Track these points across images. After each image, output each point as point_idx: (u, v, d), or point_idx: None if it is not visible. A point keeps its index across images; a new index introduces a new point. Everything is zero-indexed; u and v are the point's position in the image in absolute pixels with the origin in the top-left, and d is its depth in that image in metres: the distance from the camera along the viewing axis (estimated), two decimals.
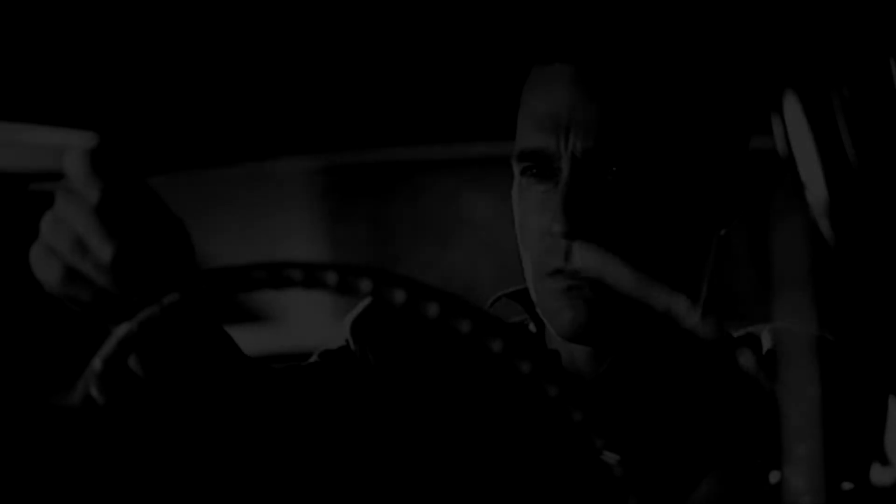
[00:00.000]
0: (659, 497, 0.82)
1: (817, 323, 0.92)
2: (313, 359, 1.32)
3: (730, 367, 1.24)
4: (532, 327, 1.31)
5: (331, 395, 1.28)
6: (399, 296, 0.86)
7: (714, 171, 1.24)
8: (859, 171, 0.85)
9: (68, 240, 0.94)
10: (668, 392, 1.25)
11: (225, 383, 1.12)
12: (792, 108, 0.86)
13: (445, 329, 0.84)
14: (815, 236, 0.86)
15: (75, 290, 0.95)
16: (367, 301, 1.34)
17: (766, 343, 1.26)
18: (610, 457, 0.83)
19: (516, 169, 1.24)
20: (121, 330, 0.91)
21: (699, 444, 1.21)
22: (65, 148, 0.93)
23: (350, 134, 1.94)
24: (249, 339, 1.48)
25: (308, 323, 2.26)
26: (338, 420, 1.26)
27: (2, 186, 1.80)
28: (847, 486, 0.83)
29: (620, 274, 0.90)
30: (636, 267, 1.19)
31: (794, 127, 0.86)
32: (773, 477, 0.84)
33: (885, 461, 0.84)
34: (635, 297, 1.05)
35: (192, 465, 1.13)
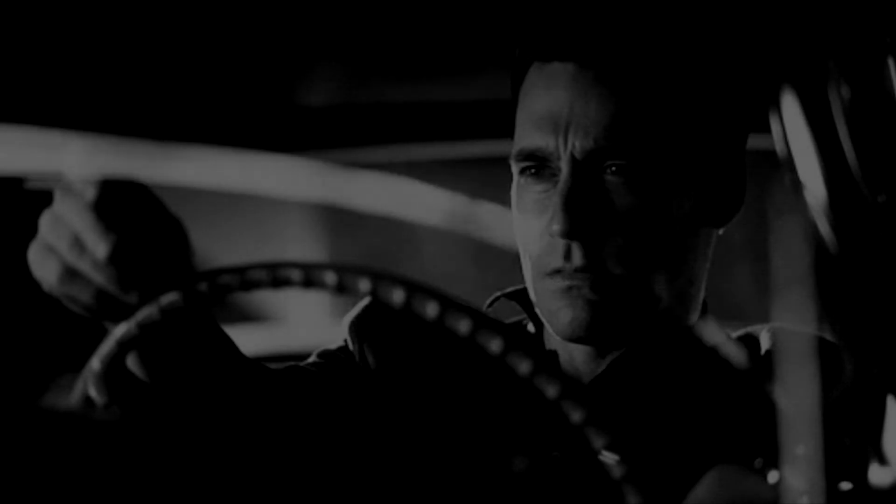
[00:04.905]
0: (659, 497, 0.82)
1: (817, 323, 0.92)
2: (312, 359, 1.32)
3: (729, 368, 1.24)
4: (530, 327, 1.31)
5: (330, 395, 1.28)
6: (398, 296, 0.86)
7: (712, 170, 1.24)
8: (859, 171, 0.85)
9: (66, 238, 0.94)
10: (667, 392, 1.24)
11: (224, 384, 1.12)
12: (791, 107, 0.86)
13: (444, 329, 0.84)
14: (815, 236, 0.86)
15: (74, 290, 0.95)
16: (365, 301, 1.34)
17: (765, 343, 1.26)
18: (610, 457, 0.83)
19: (515, 169, 1.24)
20: (119, 330, 0.91)
21: (699, 444, 1.21)
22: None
23: (349, 134, 1.94)
24: (249, 339, 1.48)
25: (308, 323, 2.26)
26: (337, 420, 1.26)
27: (1, 186, 1.80)
28: (846, 486, 0.83)
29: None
30: (634, 266, 1.20)
31: (794, 127, 0.86)
32: (772, 477, 0.84)
33: (884, 461, 0.84)
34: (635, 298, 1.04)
35: (190, 465, 1.12)
